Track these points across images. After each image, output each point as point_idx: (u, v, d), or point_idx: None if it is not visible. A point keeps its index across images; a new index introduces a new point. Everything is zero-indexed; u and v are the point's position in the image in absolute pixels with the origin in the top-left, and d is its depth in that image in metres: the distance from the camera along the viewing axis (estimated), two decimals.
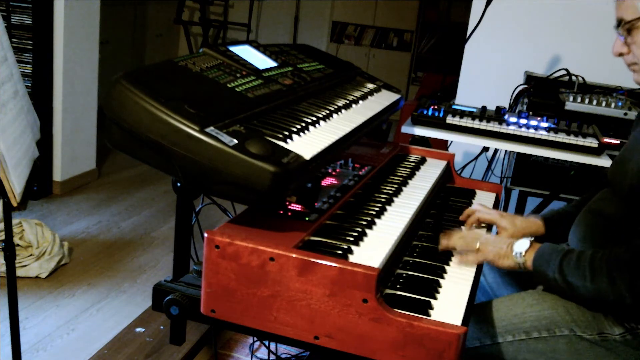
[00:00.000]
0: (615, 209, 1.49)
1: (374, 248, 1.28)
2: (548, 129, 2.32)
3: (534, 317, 1.45)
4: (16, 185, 1.63)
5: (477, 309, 1.51)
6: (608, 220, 1.50)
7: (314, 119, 1.48)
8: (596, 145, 2.26)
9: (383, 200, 1.54)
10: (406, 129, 2.41)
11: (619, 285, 1.30)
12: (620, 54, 1.52)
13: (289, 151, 1.21)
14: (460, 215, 1.71)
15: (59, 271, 2.99)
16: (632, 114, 2.49)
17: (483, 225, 1.70)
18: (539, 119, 2.37)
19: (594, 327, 1.42)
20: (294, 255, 1.12)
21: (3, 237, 1.80)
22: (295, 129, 1.36)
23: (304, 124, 1.42)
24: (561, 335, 1.43)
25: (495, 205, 1.91)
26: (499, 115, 2.41)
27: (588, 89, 2.75)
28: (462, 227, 1.67)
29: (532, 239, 1.48)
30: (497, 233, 1.71)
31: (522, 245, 1.45)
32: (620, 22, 1.47)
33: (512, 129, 2.33)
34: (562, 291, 1.43)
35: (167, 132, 1.14)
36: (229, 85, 1.40)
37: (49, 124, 3.83)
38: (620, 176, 1.50)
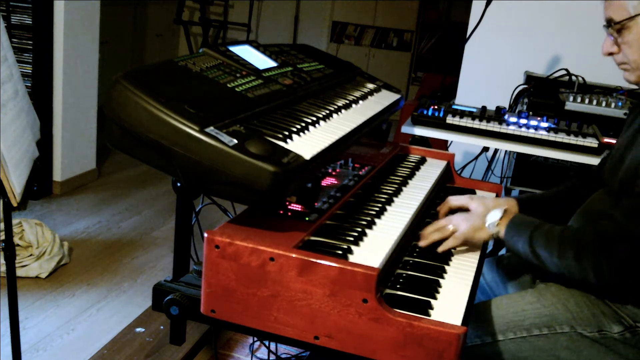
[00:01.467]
0: (610, 208, 1.49)
1: (374, 248, 1.28)
2: (548, 129, 2.32)
3: (534, 314, 1.46)
4: (16, 185, 1.63)
5: (478, 308, 1.52)
6: (602, 219, 1.50)
7: (314, 119, 1.48)
8: (596, 145, 2.26)
9: (383, 200, 1.54)
10: (406, 129, 2.41)
11: (584, 264, 1.32)
12: (610, 54, 1.52)
13: (289, 151, 1.21)
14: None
15: (59, 271, 2.99)
16: None
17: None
18: (539, 119, 2.37)
19: (593, 325, 1.43)
20: (294, 255, 1.12)
21: (3, 237, 1.80)
22: (295, 129, 1.36)
23: (304, 124, 1.42)
24: (562, 332, 1.43)
25: None
26: (499, 115, 2.41)
27: (588, 89, 2.75)
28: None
29: (505, 209, 1.49)
30: None
31: (494, 216, 1.47)
32: (609, 22, 1.48)
33: (512, 129, 2.33)
34: (532, 263, 1.44)
35: (167, 132, 1.14)
36: (229, 85, 1.40)
37: (49, 124, 3.83)
38: (613, 175, 1.51)
